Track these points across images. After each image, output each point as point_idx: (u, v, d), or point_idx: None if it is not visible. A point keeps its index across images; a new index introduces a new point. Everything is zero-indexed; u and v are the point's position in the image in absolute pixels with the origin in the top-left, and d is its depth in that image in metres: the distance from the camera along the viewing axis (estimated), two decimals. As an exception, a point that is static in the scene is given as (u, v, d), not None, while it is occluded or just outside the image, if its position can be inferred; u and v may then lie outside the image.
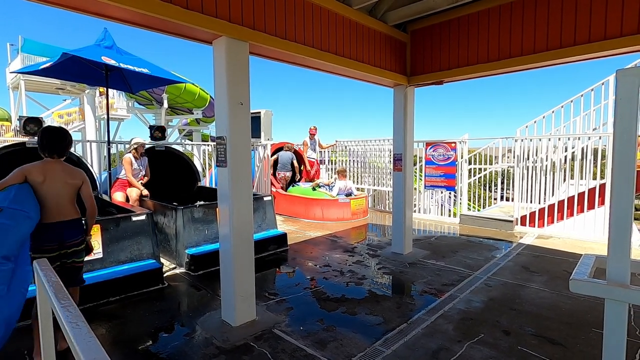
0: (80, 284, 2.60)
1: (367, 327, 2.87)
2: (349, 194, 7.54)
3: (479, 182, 7.57)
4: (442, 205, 7.73)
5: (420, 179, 7.59)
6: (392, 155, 5.12)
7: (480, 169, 7.28)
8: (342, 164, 9.55)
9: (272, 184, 7.83)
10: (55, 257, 2.37)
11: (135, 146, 5.22)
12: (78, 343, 0.81)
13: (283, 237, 5.16)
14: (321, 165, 9.59)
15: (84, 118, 16.46)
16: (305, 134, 8.90)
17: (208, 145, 8.21)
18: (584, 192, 5.73)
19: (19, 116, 4.92)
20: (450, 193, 7.45)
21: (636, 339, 2.63)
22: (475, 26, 3.97)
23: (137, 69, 4.57)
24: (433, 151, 7.15)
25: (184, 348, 2.57)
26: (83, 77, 5.46)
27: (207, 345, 2.60)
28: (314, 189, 7.75)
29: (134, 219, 3.79)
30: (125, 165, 5.13)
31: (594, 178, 5.75)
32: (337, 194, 7.42)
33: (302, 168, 8.61)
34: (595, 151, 5.77)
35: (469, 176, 7.23)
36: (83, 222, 2.58)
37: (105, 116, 5.75)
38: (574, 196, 5.85)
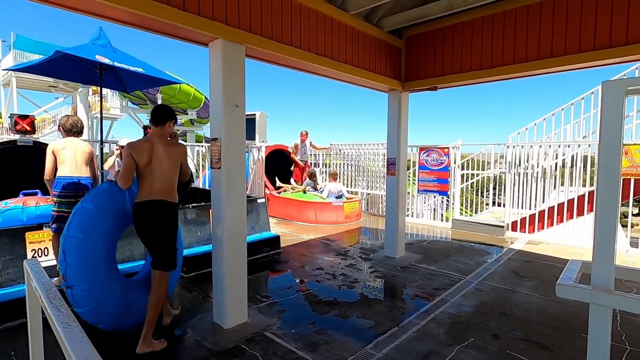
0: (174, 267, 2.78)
1: (358, 331, 2.88)
2: (339, 196, 7.58)
3: (471, 187, 7.65)
4: (434, 209, 7.79)
5: (414, 184, 7.65)
6: (385, 160, 5.15)
7: (472, 175, 7.36)
8: (336, 167, 9.59)
9: (265, 186, 7.83)
10: None
11: (119, 148, 5.17)
12: (69, 343, 0.81)
13: (276, 239, 5.15)
14: (315, 168, 9.61)
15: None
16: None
17: (202, 146, 8.18)
18: (573, 199, 5.83)
19: (10, 114, 4.86)
20: (443, 198, 7.52)
21: (622, 344, 2.68)
22: (469, 34, 4.03)
23: (131, 68, 4.54)
24: (426, 156, 7.21)
25: (175, 350, 2.56)
26: (76, 75, 5.40)
27: (198, 348, 2.59)
28: (304, 192, 7.78)
29: (126, 219, 3.75)
30: (109, 165, 5.12)
31: (584, 185, 5.85)
32: (328, 196, 7.45)
33: (292, 169, 8.71)
34: (585, 159, 5.88)
35: (462, 181, 7.31)
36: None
37: (99, 115, 5.70)
38: (564, 203, 5.94)
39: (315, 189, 8.02)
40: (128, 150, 2.46)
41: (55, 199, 3.20)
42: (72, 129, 3.41)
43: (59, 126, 3.47)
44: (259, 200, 5.27)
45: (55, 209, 3.20)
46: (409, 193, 7.60)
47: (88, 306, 2.47)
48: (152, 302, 2.51)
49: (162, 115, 2.61)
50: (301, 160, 8.81)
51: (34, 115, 4.76)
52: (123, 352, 2.51)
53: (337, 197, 7.52)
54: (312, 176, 8.22)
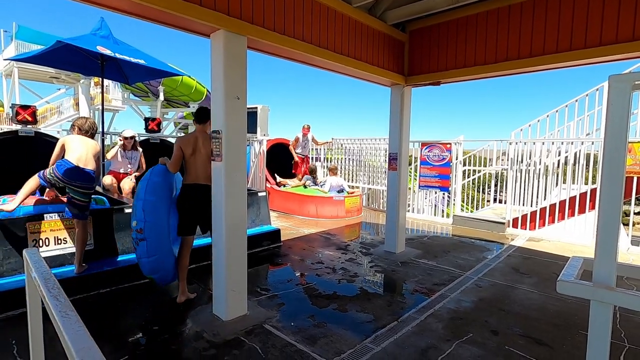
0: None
1: (357, 324, 2.89)
2: (340, 191, 7.59)
3: (472, 183, 7.63)
4: (435, 205, 7.78)
5: (415, 179, 7.63)
6: (387, 155, 5.13)
7: (474, 171, 7.33)
8: (337, 161, 9.57)
9: (267, 179, 7.82)
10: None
11: (122, 138, 5.16)
12: (67, 332, 0.81)
13: (276, 233, 5.16)
14: (317, 163, 9.59)
15: (79, 108, 16.25)
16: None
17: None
18: (575, 196, 5.81)
19: (12, 104, 4.85)
20: (444, 194, 7.50)
21: (621, 341, 2.68)
22: (474, 28, 3.99)
23: (133, 60, 4.53)
24: (428, 151, 7.19)
25: (175, 341, 2.57)
26: (78, 66, 5.39)
27: (197, 339, 2.60)
28: (305, 186, 7.78)
29: (127, 211, 3.77)
30: (110, 152, 5.13)
31: (586, 183, 5.82)
32: (329, 190, 7.45)
33: (293, 163, 8.66)
34: (588, 156, 5.84)
35: (463, 177, 7.29)
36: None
37: (100, 107, 5.69)
38: (565, 200, 5.92)
39: (315, 184, 8.02)
40: (178, 143, 3.13)
41: (55, 179, 3.22)
42: (89, 131, 3.58)
43: (73, 126, 3.60)
44: (259, 194, 5.26)
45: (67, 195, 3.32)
46: (410, 188, 7.59)
47: (155, 256, 3.02)
48: (183, 264, 3.22)
49: (205, 116, 3.17)
50: (301, 154, 8.76)
51: (35, 106, 4.74)
52: (122, 345, 2.53)
53: (338, 192, 7.53)
54: (312, 172, 8.22)
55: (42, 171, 3.29)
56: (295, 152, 8.58)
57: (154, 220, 3.00)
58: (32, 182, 3.26)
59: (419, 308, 3.20)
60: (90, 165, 3.37)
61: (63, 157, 3.32)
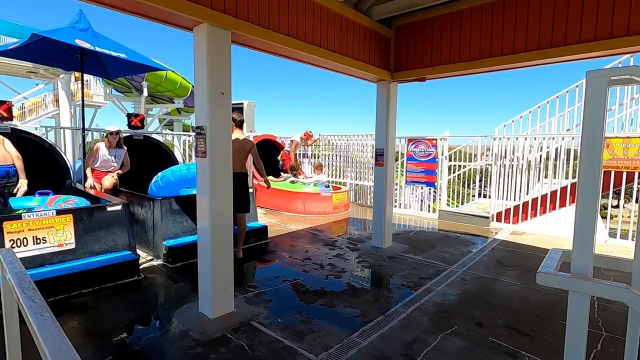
0: (249, 211, 4.53)
1: (344, 319, 2.90)
2: (327, 186, 7.75)
3: (458, 178, 7.75)
4: (422, 200, 7.87)
5: (402, 175, 7.70)
6: (374, 151, 5.15)
7: (459, 166, 7.44)
8: (325, 158, 9.57)
9: (254, 176, 7.76)
10: None
11: (107, 133, 5.02)
12: (41, 333, 0.78)
13: (264, 229, 5.14)
14: (304, 159, 9.57)
15: (59, 105, 15.76)
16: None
17: (189, 135, 8.04)
18: (556, 191, 5.96)
19: (-14, 100, 4.66)
20: (430, 189, 7.59)
21: (599, 330, 2.78)
22: (458, 24, 4.02)
23: (114, 54, 4.40)
24: (414, 147, 7.25)
25: (160, 340, 2.53)
26: (56, 60, 5.22)
27: (183, 338, 2.57)
28: (292, 182, 7.80)
29: (109, 209, 3.68)
30: (91, 151, 4.97)
31: (567, 177, 5.98)
32: (319, 185, 7.54)
33: (279, 158, 8.66)
34: (568, 151, 5.99)
35: (449, 173, 7.39)
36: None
37: (81, 103, 5.52)
38: (547, 194, 6.07)
39: (296, 178, 8.12)
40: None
41: None
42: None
43: None
44: (246, 191, 5.21)
45: None
46: (396, 184, 7.65)
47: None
48: (242, 231, 4.41)
49: (242, 122, 4.36)
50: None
51: (11, 102, 4.58)
52: (107, 345, 2.48)
53: (325, 187, 7.64)
54: (293, 169, 8.32)
55: None
56: (294, 154, 8.55)
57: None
58: None
59: (405, 302, 3.23)
60: (9, 161, 3.95)
61: None
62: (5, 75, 16.01)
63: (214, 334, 2.62)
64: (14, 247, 3.09)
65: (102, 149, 4.97)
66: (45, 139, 5.27)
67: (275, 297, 3.30)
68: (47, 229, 3.31)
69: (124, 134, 5.90)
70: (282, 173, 8.51)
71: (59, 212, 3.38)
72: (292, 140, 8.61)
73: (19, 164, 4.06)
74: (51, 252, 3.31)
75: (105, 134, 5.07)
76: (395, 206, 7.68)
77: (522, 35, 3.56)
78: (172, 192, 4.53)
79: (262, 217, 6.49)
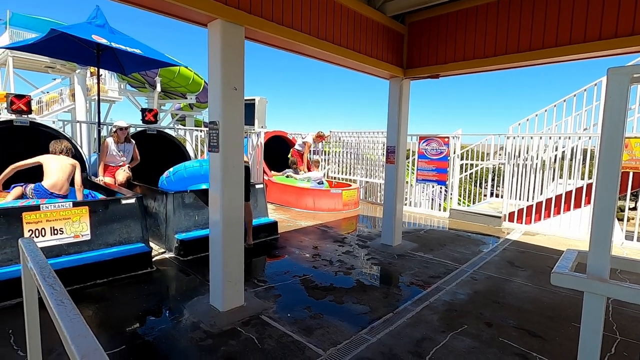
0: (249, 200, 4.42)
1: (353, 316, 2.91)
2: (320, 182, 7.80)
3: (470, 177, 7.65)
4: (432, 199, 7.81)
5: (412, 173, 7.64)
6: (385, 148, 5.13)
7: (471, 165, 7.35)
8: (335, 155, 9.58)
9: (264, 172, 7.81)
10: None
11: (114, 129, 5.10)
12: (62, 320, 0.81)
13: (274, 225, 5.17)
14: (314, 156, 9.57)
15: (75, 99, 16.09)
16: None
17: (201, 131, 8.12)
18: (571, 191, 5.83)
19: (7, 93, 4.79)
20: (441, 187, 7.52)
21: (613, 333, 2.72)
22: (474, 21, 3.96)
23: (129, 49, 4.47)
24: (426, 145, 7.18)
25: (171, 331, 2.58)
26: (73, 55, 5.33)
27: (194, 329, 2.62)
28: (287, 176, 8.02)
29: (123, 202, 3.76)
30: (102, 147, 5.06)
31: (582, 178, 5.85)
32: (311, 181, 7.68)
33: (289, 156, 8.69)
34: (585, 151, 5.86)
35: (461, 171, 7.30)
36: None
37: (97, 97, 5.63)
38: (561, 195, 5.95)
39: (297, 173, 8.25)
40: None
41: None
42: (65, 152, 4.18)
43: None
44: (257, 186, 5.25)
45: None
46: (407, 182, 7.60)
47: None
48: (248, 220, 4.40)
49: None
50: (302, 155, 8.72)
51: (30, 95, 4.69)
52: (119, 335, 2.54)
53: (318, 183, 7.69)
54: (293, 164, 8.45)
55: (24, 185, 3.81)
56: (307, 157, 8.57)
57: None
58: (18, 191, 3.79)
59: (415, 300, 3.22)
60: (63, 191, 3.92)
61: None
62: (24, 70, 16.41)
63: (224, 327, 2.65)
64: (32, 237, 3.18)
65: (111, 144, 5.06)
66: (62, 133, 5.39)
67: (285, 292, 3.32)
68: (64, 220, 3.39)
69: (139, 129, 5.99)
70: (287, 169, 8.59)
71: (75, 204, 3.47)
72: (304, 142, 8.59)
73: (79, 196, 4.03)
74: (68, 242, 3.40)
75: (114, 129, 5.14)
76: (406, 204, 7.63)
77: (539, 32, 3.48)
78: (183, 188, 4.59)
79: (272, 213, 6.53)
